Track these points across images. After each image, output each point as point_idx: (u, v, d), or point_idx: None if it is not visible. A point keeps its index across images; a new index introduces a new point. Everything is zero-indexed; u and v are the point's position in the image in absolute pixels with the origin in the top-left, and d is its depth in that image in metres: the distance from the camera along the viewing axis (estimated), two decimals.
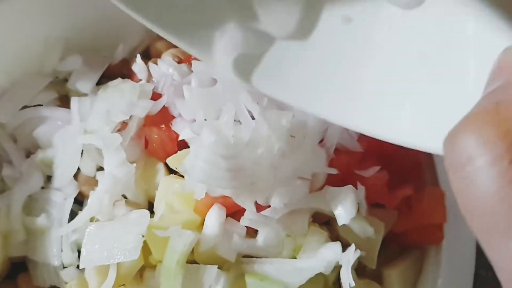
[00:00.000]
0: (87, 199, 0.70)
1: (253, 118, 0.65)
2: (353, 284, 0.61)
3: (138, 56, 0.75)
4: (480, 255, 0.88)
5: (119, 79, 0.74)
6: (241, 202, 0.64)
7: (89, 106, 0.72)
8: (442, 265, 0.68)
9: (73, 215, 0.70)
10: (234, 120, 0.65)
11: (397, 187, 0.69)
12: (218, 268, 0.64)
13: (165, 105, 0.70)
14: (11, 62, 0.76)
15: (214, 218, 0.65)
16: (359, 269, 0.67)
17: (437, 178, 0.70)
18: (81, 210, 0.70)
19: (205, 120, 0.67)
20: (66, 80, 0.78)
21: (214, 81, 0.70)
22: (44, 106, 0.75)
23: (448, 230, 0.69)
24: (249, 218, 0.64)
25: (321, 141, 0.67)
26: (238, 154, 0.62)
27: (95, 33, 0.79)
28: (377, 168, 0.68)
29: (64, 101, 0.77)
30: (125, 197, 0.71)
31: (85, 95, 0.75)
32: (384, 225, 0.67)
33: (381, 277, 0.69)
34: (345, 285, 0.62)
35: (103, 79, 0.77)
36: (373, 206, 0.68)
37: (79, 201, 0.72)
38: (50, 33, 0.77)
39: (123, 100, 0.70)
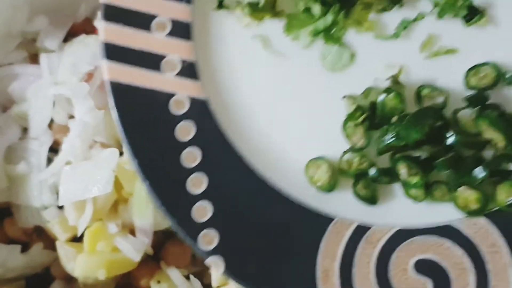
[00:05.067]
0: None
1: None
2: None
3: (99, 13, 0.81)
4: None
5: (84, 35, 0.80)
6: None
7: (57, 61, 0.78)
8: None
9: (50, 162, 0.76)
10: None
11: None
12: None
13: None
14: None
15: None
16: None
17: None
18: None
19: None
20: (34, 40, 0.83)
21: None
22: (16, 64, 0.81)
23: None
24: None
25: None
26: None
27: None
28: None
29: (34, 59, 0.82)
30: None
31: (53, 52, 0.81)
32: None
33: None
34: None
35: (69, 37, 0.82)
36: None
37: (55, 150, 0.78)
38: None
39: (87, 53, 0.76)
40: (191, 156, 0.64)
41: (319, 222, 0.62)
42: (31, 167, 0.76)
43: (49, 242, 0.77)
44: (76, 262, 0.72)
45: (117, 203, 0.74)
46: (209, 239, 0.63)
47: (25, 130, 0.79)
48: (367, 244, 0.60)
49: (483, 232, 0.57)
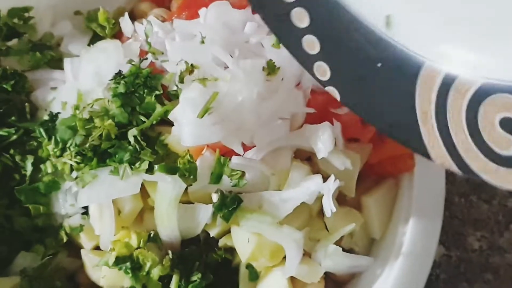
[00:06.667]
0: None
1: None
2: (334, 209, 0.67)
3: (126, 14, 0.80)
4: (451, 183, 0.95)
5: (103, 41, 0.79)
6: (229, 144, 0.69)
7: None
8: (415, 190, 0.74)
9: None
10: None
11: None
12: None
13: (153, 61, 0.76)
14: None
15: (206, 161, 0.70)
16: (340, 198, 0.73)
17: None
18: None
19: None
20: (58, 44, 0.83)
21: (195, 36, 0.75)
22: (40, 69, 0.81)
23: (419, 159, 0.74)
24: (235, 162, 0.69)
25: (298, 83, 0.73)
26: (219, 106, 0.68)
27: None
28: None
29: (58, 64, 0.81)
30: None
31: (77, 56, 0.80)
32: (360, 156, 0.73)
33: (360, 205, 0.75)
34: (326, 211, 0.68)
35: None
36: (349, 140, 0.73)
37: None
38: (40, 2, 0.82)
39: (110, 61, 0.75)
40: None
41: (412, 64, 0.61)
42: None
43: (74, 250, 0.76)
44: (102, 271, 0.71)
45: (143, 211, 0.73)
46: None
47: None
48: (456, 93, 0.59)
49: None
